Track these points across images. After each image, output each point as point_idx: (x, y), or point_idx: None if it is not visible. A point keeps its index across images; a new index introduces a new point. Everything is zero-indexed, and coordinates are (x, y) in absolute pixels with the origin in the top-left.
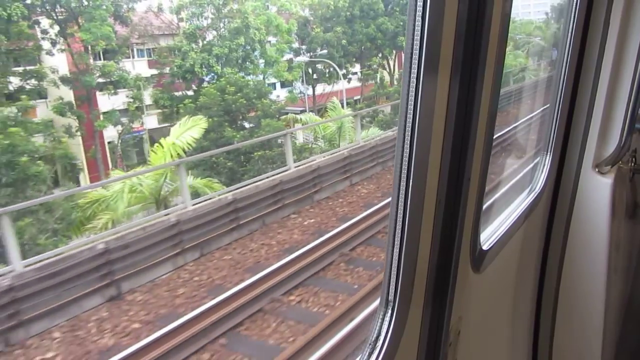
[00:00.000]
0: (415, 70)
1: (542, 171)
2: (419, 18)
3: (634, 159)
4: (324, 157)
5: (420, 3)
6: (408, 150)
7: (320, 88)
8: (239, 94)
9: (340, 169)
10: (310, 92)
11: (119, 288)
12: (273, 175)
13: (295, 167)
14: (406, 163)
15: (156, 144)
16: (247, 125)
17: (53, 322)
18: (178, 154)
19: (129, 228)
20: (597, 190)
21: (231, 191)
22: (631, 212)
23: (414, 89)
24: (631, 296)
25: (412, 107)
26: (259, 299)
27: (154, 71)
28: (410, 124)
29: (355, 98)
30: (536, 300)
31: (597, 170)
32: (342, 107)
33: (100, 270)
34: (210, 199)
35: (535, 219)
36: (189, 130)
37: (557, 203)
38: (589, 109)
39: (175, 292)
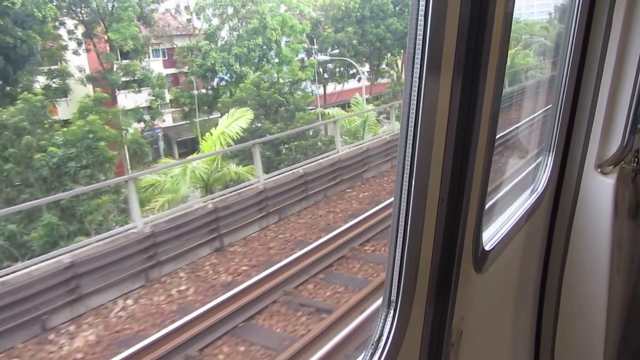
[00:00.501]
0: (418, 70)
1: (544, 171)
2: (421, 18)
3: (636, 159)
4: (366, 142)
5: (422, 3)
6: (411, 150)
7: (330, 87)
8: (272, 89)
9: (382, 153)
10: (319, 90)
11: (222, 242)
12: (329, 156)
13: (344, 150)
14: (409, 162)
15: (207, 133)
16: (281, 117)
17: (177, 265)
18: (227, 142)
19: (226, 194)
20: (600, 191)
21: (302, 166)
22: (634, 213)
23: (416, 89)
24: (633, 296)
25: (414, 106)
26: (340, 249)
27: (170, 70)
28: (412, 124)
29: (364, 97)
30: (538, 301)
31: (599, 170)
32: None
33: (208, 226)
34: (282, 173)
35: (537, 219)
36: (236, 120)
37: (559, 203)
38: (592, 108)
39: (267, 246)
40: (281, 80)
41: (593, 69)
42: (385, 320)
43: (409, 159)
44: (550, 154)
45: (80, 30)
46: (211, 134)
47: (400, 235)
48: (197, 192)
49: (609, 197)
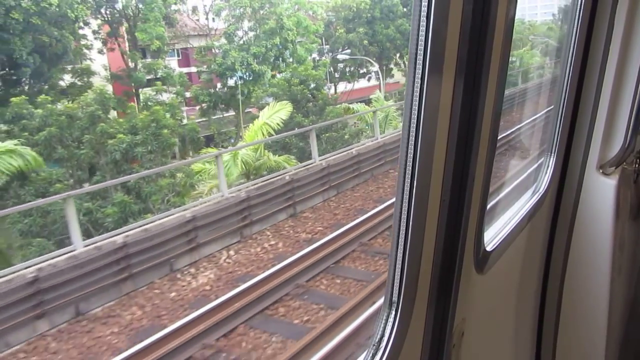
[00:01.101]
0: (420, 71)
1: (546, 172)
2: (423, 18)
3: (638, 160)
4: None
5: (425, 3)
6: (412, 151)
7: (340, 86)
8: (301, 86)
9: None
10: (330, 90)
11: (295, 209)
12: (373, 141)
13: (381, 138)
14: (410, 163)
15: (250, 124)
16: (311, 111)
17: (263, 226)
18: (269, 132)
19: (300, 168)
20: (601, 192)
21: (353, 148)
22: (635, 214)
23: (418, 89)
24: (635, 297)
25: (416, 107)
26: None
27: (185, 69)
28: (414, 124)
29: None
30: (540, 302)
31: (601, 171)
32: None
33: (283, 196)
34: (338, 154)
35: (539, 220)
36: (277, 112)
37: (561, 204)
38: (593, 109)
39: (333, 212)
40: (311, 78)
41: (595, 69)
42: (386, 321)
43: (411, 159)
44: (552, 154)
45: (104, 29)
46: (253, 124)
47: (402, 236)
48: (236, 179)
49: (611, 198)
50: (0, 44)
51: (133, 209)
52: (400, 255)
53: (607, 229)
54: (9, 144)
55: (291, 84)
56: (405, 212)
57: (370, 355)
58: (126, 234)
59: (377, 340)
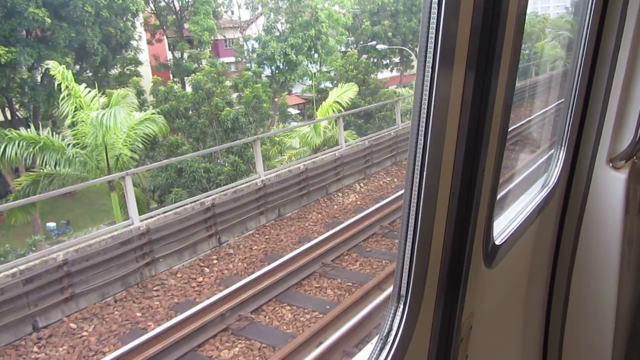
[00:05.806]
0: (430, 63)
1: (556, 165)
2: (434, 11)
3: None
4: None
5: None
6: (422, 143)
7: None
8: (355, 71)
9: None
10: None
11: (396, 158)
12: None
13: None
14: (420, 155)
15: (323, 102)
16: (365, 94)
17: (377, 169)
18: (338, 109)
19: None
20: (611, 186)
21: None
22: None
23: (428, 81)
24: None
25: (426, 99)
26: None
27: (225, 59)
28: (424, 116)
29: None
30: (548, 296)
31: (611, 165)
32: None
33: (365, 157)
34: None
35: (548, 213)
36: (345, 92)
37: (570, 198)
38: (604, 102)
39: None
40: (361, 65)
41: (606, 62)
42: (394, 314)
43: (420, 152)
44: (562, 148)
45: (150, 21)
46: (325, 102)
47: (411, 229)
48: (305, 152)
49: (620, 192)
50: (76, 34)
51: (242, 168)
52: (409, 248)
53: (617, 224)
54: (148, 113)
55: (347, 70)
56: (415, 205)
57: (378, 348)
58: (301, 166)
59: (385, 333)
